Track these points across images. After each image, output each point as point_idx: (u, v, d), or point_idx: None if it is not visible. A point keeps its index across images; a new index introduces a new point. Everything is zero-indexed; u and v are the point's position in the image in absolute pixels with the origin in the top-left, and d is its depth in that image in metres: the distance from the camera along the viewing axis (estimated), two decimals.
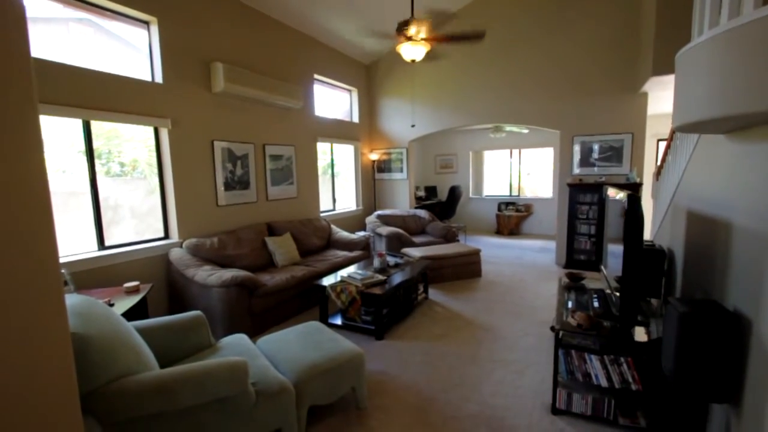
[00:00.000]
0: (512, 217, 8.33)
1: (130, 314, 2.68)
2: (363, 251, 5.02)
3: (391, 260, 4.23)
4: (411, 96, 6.66)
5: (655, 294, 2.74)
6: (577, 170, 5.47)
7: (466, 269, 5.06)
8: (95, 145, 3.28)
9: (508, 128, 7.30)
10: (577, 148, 5.44)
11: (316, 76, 5.69)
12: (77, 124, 3.17)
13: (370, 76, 7.02)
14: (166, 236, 3.83)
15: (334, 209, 6.37)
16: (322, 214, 5.92)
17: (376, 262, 3.89)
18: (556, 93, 5.51)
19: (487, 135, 8.55)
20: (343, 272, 3.92)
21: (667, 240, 3.07)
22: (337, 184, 6.71)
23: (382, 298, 3.26)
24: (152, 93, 3.54)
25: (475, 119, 6.21)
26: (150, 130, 3.67)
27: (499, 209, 8.67)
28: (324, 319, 3.57)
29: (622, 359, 2.08)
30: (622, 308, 2.12)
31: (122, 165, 3.73)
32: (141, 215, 3.76)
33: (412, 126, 6.69)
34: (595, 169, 5.35)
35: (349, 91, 6.74)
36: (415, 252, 4.92)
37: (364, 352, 2.33)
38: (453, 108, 6.34)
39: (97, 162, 3.39)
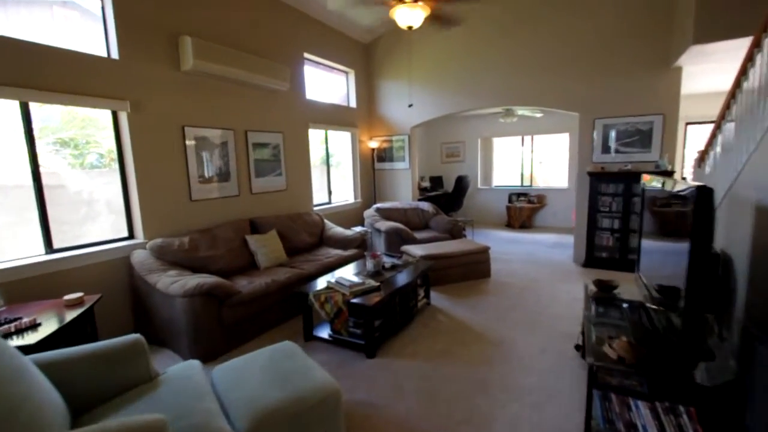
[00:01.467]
0: (524, 209, 7.75)
1: (69, 334, 2.23)
2: (359, 249, 4.52)
3: (387, 261, 3.72)
4: (412, 78, 6.07)
5: (709, 308, 2.21)
6: (598, 157, 4.87)
7: (473, 269, 4.53)
8: (70, 134, 2.83)
9: (520, 112, 6.69)
10: (598, 133, 4.83)
11: (306, 55, 5.13)
12: (15, 106, 2.69)
13: (369, 56, 6.44)
14: (131, 236, 3.36)
15: (329, 202, 5.87)
16: (315, 208, 5.42)
17: (370, 265, 3.39)
18: (574, 71, 4.89)
19: (496, 120, 7.93)
20: (336, 274, 3.43)
21: (720, 241, 2.51)
22: (336, 175, 6.19)
23: (373, 309, 2.76)
24: (107, 71, 3.05)
25: (484, 102, 5.62)
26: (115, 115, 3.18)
27: (510, 201, 8.09)
28: (308, 332, 3.10)
29: (682, 408, 1.56)
30: (684, 337, 1.58)
31: (101, 156, 3.28)
32: (119, 211, 3.30)
33: (410, 106, 6.12)
34: (620, 155, 4.74)
35: (346, 73, 6.17)
36: (416, 250, 4.40)
37: (340, 389, 1.83)
38: (459, 90, 5.74)
39: (70, 152, 2.98)
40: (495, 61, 5.40)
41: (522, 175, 8.29)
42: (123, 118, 3.19)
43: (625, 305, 2.43)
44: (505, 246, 6.27)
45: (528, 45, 5.15)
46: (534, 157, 8.17)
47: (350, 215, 6.17)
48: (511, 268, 4.96)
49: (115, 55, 3.11)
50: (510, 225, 7.98)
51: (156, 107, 3.37)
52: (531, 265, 5.08)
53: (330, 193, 5.88)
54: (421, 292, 3.75)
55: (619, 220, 4.70)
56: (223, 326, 2.91)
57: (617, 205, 4.70)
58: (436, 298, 3.99)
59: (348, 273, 3.52)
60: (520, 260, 5.37)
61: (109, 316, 3.09)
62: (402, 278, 3.33)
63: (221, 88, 3.93)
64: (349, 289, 2.92)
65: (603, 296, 2.59)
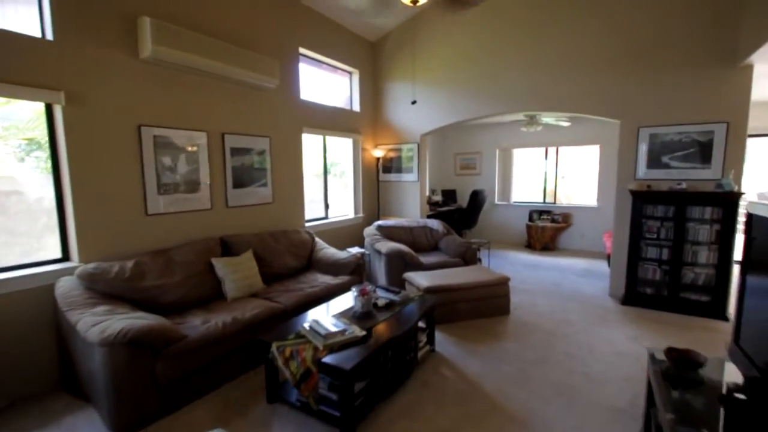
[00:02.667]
0: (546, 229, 6.92)
1: None
2: (352, 276, 3.80)
3: (382, 297, 2.99)
4: (425, 80, 5.39)
5: None
6: (643, 173, 4.06)
7: (489, 304, 3.76)
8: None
9: (544, 120, 5.92)
10: (644, 144, 4.03)
11: (302, 50, 4.52)
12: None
13: (376, 55, 5.80)
14: (66, 257, 2.73)
15: (326, 217, 5.19)
16: (309, 224, 4.74)
17: (357, 304, 2.67)
18: (615, 70, 4.13)
19: (517, 129, 7.17)
20: (316, 313, 2.72)
21: None
22: (339, 186, 5.53)
23: (351, 373, 2.03)
24: (37, 54, 2.45)
25: (504, 107, 4.89)
26: (58, 109, 2.58)
27: (531, 219, 7.27)
28: (273, 392, 2.38)
29: None
30: None
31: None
32: (53, 226, 2.70)
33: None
34: (671, 171, 3.93)
35: (349, 73, 5.54)
36: (420, 279, 3.66)
37: None
38: (475, 94, 5.03)
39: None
40: (517, 60, 4.68)
41: (545, 190, 7.47)
42: (58, 112, 2.58)
43: (724, 400, 1.63)
44: (525, 272, 5.45)
45: (556, 41, 4.42)
46: (559, 171, 7.34)
47: (350, 232, 5.47)
48: (534, 303, 4.15)
49: (49, 35, 2.52)
50: (530, 246, 7.15)
51: (103, 101, 2.76)
52: (558, 300, 4.26)
53: (327, 207, 5.20)
54: (424, 337, 3.00)
55: (669, 249, 3.86)
56: (158, 384, 2.22)
57: (667, 231, 3.87)
58: (443, 341, 3.23)
59: (334, 309, 2.81)
60: (544, 292, 4.55)
61: (29, 362, 2.45)
62: (399, 322, 2.60)
63: (191, 83, 3.32)
64: (325, 339, 2.20)
65: (682, 377, 1.79)
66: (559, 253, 6.71)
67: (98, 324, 2.16)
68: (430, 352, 3.03)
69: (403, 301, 2.97)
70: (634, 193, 3.96)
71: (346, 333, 2.29)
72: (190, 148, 3.32)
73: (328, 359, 2.09)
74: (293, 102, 4.37)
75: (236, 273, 3.17)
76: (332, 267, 3.85)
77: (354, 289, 2.70)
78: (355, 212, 5.67)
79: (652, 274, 3.99)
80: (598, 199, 6.82)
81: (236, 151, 3.74)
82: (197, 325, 2.54)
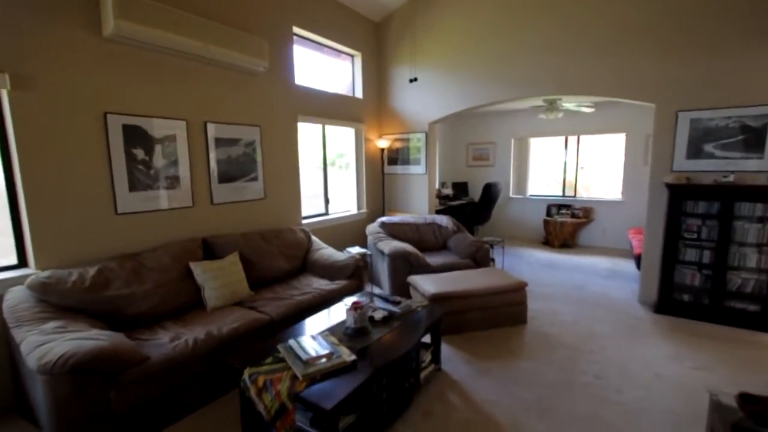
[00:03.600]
0: (566, 225, 6.42)
1: None
2: (350, 280, 3.42)
3: (380, 307, 2.61)
4: (432, 62, 4.93)
5: None
6: (682, 164, 3.55)
7: (503, 313, 3.34)
8: None
9: (566, 105, 5.40)
10: (683, 131, 3.52)
11: (296, 29, 4.10)
12: None
13: (381, 37, 5.35)
14: (23, 263, 2.42)
15: (326, 213, 4.82)
16: (307, 221, 4.38)
17: (350, 319, 2.28)
18: (651, 47, 3.61)
19: (535, 117, 6.66)
20: (310, 324, 2.36)
21: None
22: (345, 179, 5.15)
23: (333, 413, 1.65)
24: None
25: (521, 91, 4.40)
26: None
27: (549, 213, 6.77)
28: (249, 425, 2.03)
29: None
30: None
31: None
32: (3, 230, 2.40)
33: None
34: (715, 162, 3.42)
35: (351, 56, 5.11)
36: (426, 284, 3.27)
37: None
38: (489, 77, 4.55)
39: None
40: (536, 39, 4.18)
41: (564, 183, 6.94)
42: (4, 97, 2.24)
43: None
44: (543, 273, 5.00)
45: (581, 17, 3.90)
46: (580, 162, 6.80)
47: (353, 230, 5.10)
48: (555, 311, 3.71)
49: None
50: (548, 243, 6.67)
51: (60, 85, 2.41)
52: (581, 307, 3.82)
53: (327, 202, 4.82)
54: (428, 355, 2.61)
55: (712, 251, 3.38)
56: (113, 414, 1.89)
57: (710, 230, 3.37)
58: (450, 357, 2.84)
59: (326, 321, 2.45)
60: (565, 297, 4.10)
61: None
62: (398, 341, 2.21)
63: (167, 65, 2.95)
64: (303, 367, 1.83)
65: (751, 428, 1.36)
66: (579, 251, 6.21)
67: (42, 345, 1.83)
68: (435, 371, 2.65)
69: (405, 314, 2.58)
70: (671, 186, 3.47)
71: (333, 357, 1.92)
72: (166, 139, 2.97)
73: (306, 393, 1.72)
74: (287, 87, 3.98)
75: (218, 279, 2.82)
76: (329, 270, 3.48)
77: (346, 302, 2.32)
78: (358, 208, 5.28)
79: (690, 279, 3.51)
80: (622, 192, 6.27)
81: (221, 142, 3.37)
82: (164, 342, 2.20)
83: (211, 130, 3.28)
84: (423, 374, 2.50)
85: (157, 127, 2.91)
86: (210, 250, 3.09)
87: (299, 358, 1.90)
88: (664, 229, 3.60)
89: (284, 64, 3.92)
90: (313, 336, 2.12)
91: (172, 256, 2.77)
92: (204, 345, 2.22)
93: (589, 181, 6.85)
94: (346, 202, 5.23)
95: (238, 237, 3.29)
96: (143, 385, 1.97)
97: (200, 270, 2.80)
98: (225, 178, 3.42)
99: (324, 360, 1.89)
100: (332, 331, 2.32)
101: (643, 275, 3.90)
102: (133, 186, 2.79)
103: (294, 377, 1.81)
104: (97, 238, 2.62)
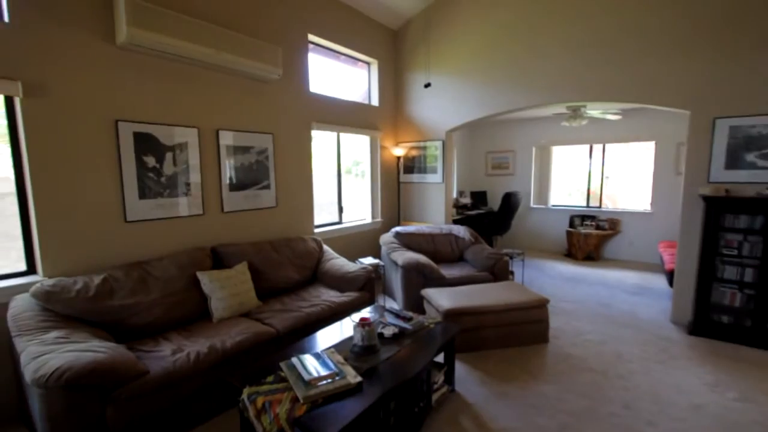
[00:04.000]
0: (590, 237, 6.13)
1: None
2: (361, 292, 3.30)
3: (391, 323, 2.48)
4: (450, 69, 4.81)
5: None
6: (720, 174, 3.30)
7: (522, 331, 3.15)
8: None
9: (590, 113, 5.18)
10: (721, 139, 3.27)
11: (311, 37, 4.07)
12: None
13: (398, 44, 5.28)
14: (31, 270, 2.41)
15: (340, 222, 4.73)
16: (320, 231, 4.30)
17: (357, 336, 2.16)
18: (685, 50, 3.39)
19: (557, 124, 6.45)
20: (317, 338, 2.25)
21: None
22: (359, 188, 5.08)
23: None
24: None
25: (543, 98, 4.22)
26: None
27: (572, 224, 6.49)
28: None
29: None
30: None
31: None
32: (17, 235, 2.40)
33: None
34: (758, 172, 3.15)
35: (367, 63, 5.05)
36: (440, 298, 3.12)
37: None
38: (509, 84, 4.40)
39: None
40: (559, 44, 4.01)
41: (589, 193, 6.66)
42: (17, 105, 2.25)
43: None
44: (566, 287, 4.75)
45: (607, 19, 3.72)
46: (605, 171, 6.51)
47: (367, 240, 4.99)
48: (578, 329, 3.48)
49: (5, 16, 2.19)
50: (571, 255, 6.38)
51: (72, 92, 2.42)
52: (608, 325, 3.57)
53: (341, 210, 4.74)
54: (440, 375, 2.45)
55: (756, 269, 3.10)
56: (109, 430, 1.82)
57: (753, 247, 3.10)
58: (465, 377, 2.67)
59: (334, 336, 2.34)
60: (590, 314, 3.86)
61: None
62: (409, 361, 2.07)
63: (179, 73, 2.94)
64: (304, 389, 1.72)
65: None
66: (604, 264, 5.91)
67: (40, 356, 1.78)
68: (448, 393, 2.48)
69: (417, 331, 2.44)
70: (707, 199, 3.22)
71: (336, 379, 1.79)
72: (177, 147, 2.95)
73: (307, 418, 1.60)
74: (301, 95, 3.93)
75: (225, 289, 2.75)
76: (339, 281, 3.38)
77: (353, 318, 2.20)
78: (373, 217, 5.17)
79: (730, 299, 3.23)
80: (652, 204, 5.95)
81: (233, 150, 3.34)
82: (166, 355, 2.13)
83: (223, 137, 3.25)
84: (435, 396, 2.34)
85: (169, 135, 2.89)
86: (219, 259, 3.03)
87: (301, 378, 1.79)
88: (699, 244, 3.34)
89: (298, 72, 3.89)
90: (318, 353, 2.00)
91: (180, 265, 2.72)
92: (206, 359, 2.14)
93: (614, 191, 6.54)
94: (361, 211, 5.13)
95: (248, 246, 3.22)
96: (141, 401, 1.89)
97: (207, 280, 2.74)
98: (236, 186, 3.38)
99: (327, 381, 1.77)
100: (339, 348, 2.19)
101: (676, 293, 3.63)
102: (143, 194, 2.77)
103: (294, 399, 1.70)
104: (106, 246, 2.60)
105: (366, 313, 2.75)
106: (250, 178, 3.50)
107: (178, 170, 2.97)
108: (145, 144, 2.77)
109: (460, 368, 2.79)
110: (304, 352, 2.13)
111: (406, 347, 2.24)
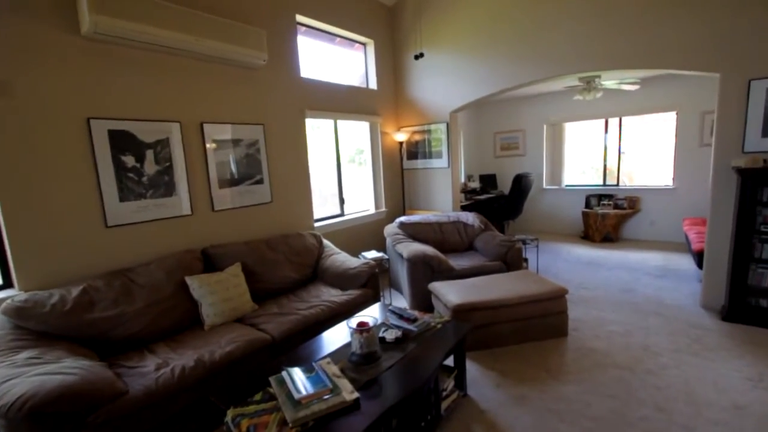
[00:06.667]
0: (608, 217, 5.80)
1: None
2: (364, 289, 3.09)
3: (394, 324, 2.27)
4: (451, 46, 4.49)
5: None
6: (756, 143, 2.96)
7: (539, 324, 2.91)
8: None
9: (605, 83, 4.81)
10: (758, 103, 2.92)
11: (300, 18, 3.80)
12: None
13: (395, 22, 4.96)
14: (7, 284, 2.26)
15: (342, 214, 4.52)
16: (320, 224, 4.09)
17: (355, 344, 1.95)
18: (713, 5, 3.02)
19: (569, 99, 6.07)
20: (315, 343, 2.07)
21: None
22: (363, 177, 4.85)
23: None
24: None
25: (553, 70, 3.88)
26: None
27: (588, 205, 6.16)
28: None
29: None
30: None
31: None
32: None
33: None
34: None
35: (363, 44, 4.75)
36: (449, 293, 2.89)
37: None
38: (515, 57, 4.06)
39: None
40: (565, 7, 3.65)
41: (605, 171, 6.29)
42: None
43: None
44: (584, 272, 4.48)
45: None
46: (621, 147, 6.13)
47: (372, 231, 4.77)
48: (600, 319, 3.23)
49: None
50: (588, 237, 6.07)
51: (38, 90, 2.22)
52: (632, 313, 3.31)
53: (342, 202, 4.52)
54: (450, 381, 2.24)
55: None
56: None
57: None
58: (478, 378, 2.46)
59: (335, 340, 2.14)
60: (611, 302, 3.59)
61: None
62: (413, 370, 1.87)
63: (155, 62, 2.72)
64: (293, 410, 1.52)
65: None
66: (624, 245, 5.59)
67: (7, 382, 1.63)
68: (459, 398, 2.28)
69: (423, 332, 2.23)
70: (743, 171, 2.89)
71: (330, 396, 1.59)
72: (157, 143, 2.74)
73: None
74: (292, 81, 3.68)
75: (216, 293, 2.57)
76: (340, 278, 3.17)
77: (350, 323, 1.99)
78: (376, 207, 4.94)
79: None
80: (674, 179, 5.58)
81: (221, 143, 3.13)
82: (149, 371, 1.97)
83: (209, 131, 3.04)
84: (445, 404, 2.14)
85: (148, 131, 2.69)
86: (210, 261, 2.85)
87: (290, 396, 1.60)
88: (734, 221, 3.03)
89: (287, 56, 3.63)
90: (310, 366, 1.80)
91: (167, 270, 2.54)
92: (192, 374, 1.97)
93: (631, 167, 6.16)
94: (365, 202, 4.90)
95: (241, 246, 3.03)
96: (119, 424, 1.73)
97: (197, 284, 2.56)
98: (227, 182, 3.18)
99: (320, 399, 1.57)
100: (337, 356, 2.00)
101: (706, 275, 3.33)
102: (124, 196, 2.59)
103: (283, 422, 1.51)
104: (86, 254, 2.43)
105: (368, 313, 2.55)
106: (241, 173, 3.29)
107: (161, 168, 2.77)
108: (123, 142, 2.57)
109: (473, 368, 2.58)
110: (300, 361, 1.95)
111: (410, 352, 2.03)
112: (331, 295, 2.97)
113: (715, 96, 3.11)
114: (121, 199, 2.57)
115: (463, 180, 6.59)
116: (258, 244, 3.14)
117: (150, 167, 2.71)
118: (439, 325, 2.32)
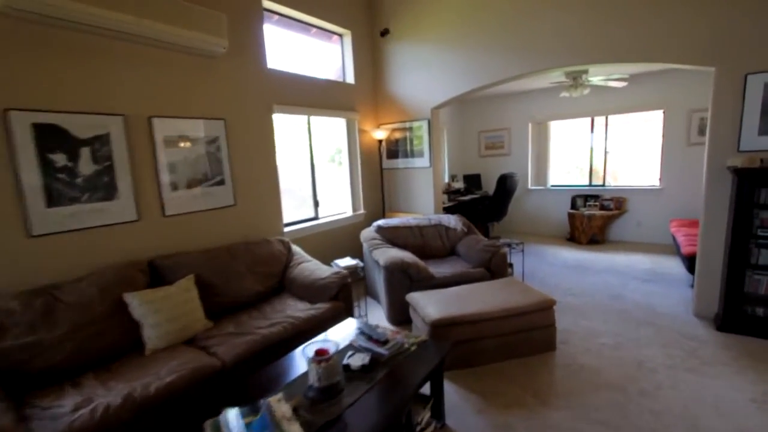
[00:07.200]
0: (594, 218, 5.64)
1: None
2: (334, 303, 2.80)
3: (362, 346, 1.99)
4: (433, 38, 4.23)
5: None
6: (753, 142, 2.78)
7: (525, 339, 2.67)
8: None
9: (592, 80, 4.62)
10: (756, 99, 2.74)
11: (267, 4, 3.48)
12: None
13: (373, 11, 4.67)
14: None
15: (316, 217, 4.21)
16: (291, 229, 3.78)
17: (312, 376, 1.66)
18: None
19: (555, 96, 5.89)
20: (273, 371, 1.76)
21: None
22: (341, 178, 4.55)
23: None
24: None
25: (540, 63, 3.65)
26: None
27: (574, 206, 5.99)
28: None
29: None
30: None
31: None
32: None
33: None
34: None
35: (339, 36, 4.45)
36: (428, 305, 2.63)
37: None
38: (500, 51, 3.82)
39: None
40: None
41: (591, 170, 6.14)
42: None
43: None
44: (571, 277, 4.28)
45: None
46: (608, 146, 5.98)
47: (349, 235, 4.48)
48: (589, 330, 3.01)
49: None
50: (574, 239, 5.90)
51: None
52: (622, 324, 3.10)
53: (317, 204, 4.21)
54: (425, 412, 1.97)
55: None
56: None
57: None
58: (458, 403, 2.20)
59: (288, 370, 1.84)
60: (600, 310, 3.39)
61: None
62: (380, 405, 1.59)
63: (90, 46, 2.37)
64: None
65: None
66: (611, 248, 5.44)
67: None
68: (437, 429, 2.01)
69: (394, 356, 1.95)
70: (739, 171, 2.70)
71: None
72: (97, 140, 2.40)
73: None
74: (257, 73, 3.36)
75: (161, 312, 2.25)
76: (309, 290, 2.87)
77: (304, 351, 1.70)
78: (354, 209, 4.65)
79: (766, 287, 2.76)
80: (661, 179, 5.45)
81: (173, 140, 2.79)
82: (65, 412, 1.64)
83: (159, 126, 2.70)
84: None
85: (83, 126, 2.34)
86: (158, 274, 2.52)
87: None
88: (729, 224, 2.85)
89: (252, 45, 3.30)
90: (255, 406, 1.51)
91: (101, 286, 2.20)
92: (117, 415, 1.64)
93: (616, 167, 6.02)
94: (341, 204, 4.61)
95: (197, 255, 2.71)
96: None
97: (137, 302, 2.23)
98: (181, 183, 2.85)
99: None
100: (292, 389, 1.71)
101: (698, 281, 3.16)
102: (54, 200, 2.24)
103: None
104: (3, 270, 2.07)
105: (337, 331, 2.27)
106: (199, 174, 2.96)
107: (100, 168, 2.43)
108: (52, 138, 2.22)
109: (451, 391, 2.32)
110: (248, 395, 1.65)
111: (378, 382, 1.75)
112: (297, 310, 2.67)
113: (707, 92, 2.93)
114: (50, 204, 2.22)
115: (446, 180, 6.36)
116: (218, 253, 2.82)
117: (86, 167, 2.36)
118: (413, 347, 2.05)
